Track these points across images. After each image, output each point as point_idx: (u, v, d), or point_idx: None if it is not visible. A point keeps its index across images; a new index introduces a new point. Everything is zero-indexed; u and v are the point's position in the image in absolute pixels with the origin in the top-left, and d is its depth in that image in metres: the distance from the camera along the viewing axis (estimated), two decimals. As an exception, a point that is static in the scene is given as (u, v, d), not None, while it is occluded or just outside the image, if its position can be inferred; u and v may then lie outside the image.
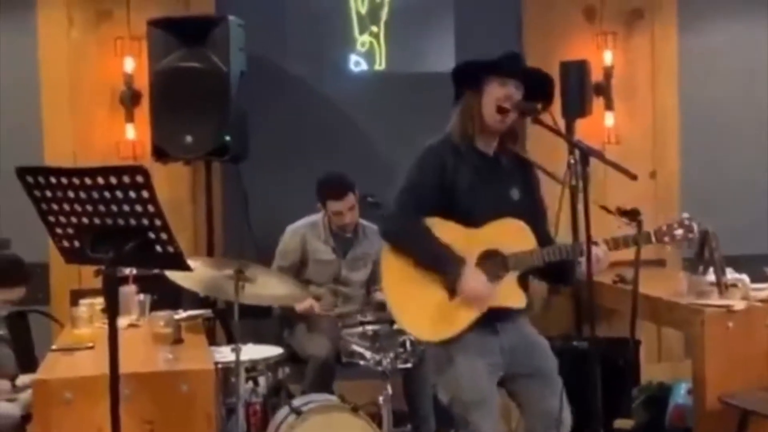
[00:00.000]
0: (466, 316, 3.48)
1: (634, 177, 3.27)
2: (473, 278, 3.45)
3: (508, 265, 3.50)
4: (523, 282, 3.56)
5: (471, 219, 3.51)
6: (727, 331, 4.35)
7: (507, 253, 3.49)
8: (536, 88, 3.59)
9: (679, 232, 3.51)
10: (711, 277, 4.64)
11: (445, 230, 3.51)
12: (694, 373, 4.51)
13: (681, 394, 5.05)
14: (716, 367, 4.34)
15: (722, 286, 4.57)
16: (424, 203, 3.51)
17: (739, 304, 4.42)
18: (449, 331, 3.49)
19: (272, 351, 4.44)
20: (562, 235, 3.61)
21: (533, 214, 3.60)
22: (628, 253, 4.93)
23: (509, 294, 3.52)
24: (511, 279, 3.51)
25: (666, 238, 3.51)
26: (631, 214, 3.64)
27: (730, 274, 4.67)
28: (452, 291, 3.48)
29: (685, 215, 3.56)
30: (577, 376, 3.68)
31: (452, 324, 3.49)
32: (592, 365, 3.29)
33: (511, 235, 3.52)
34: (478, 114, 3.52)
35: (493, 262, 3.51)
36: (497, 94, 3.49)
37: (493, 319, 3.52)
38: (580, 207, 3.18)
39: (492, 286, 3.47)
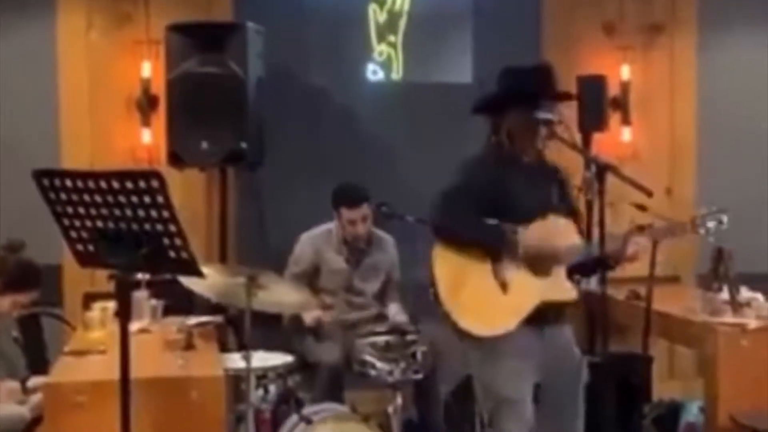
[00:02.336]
0: (520, 310, 3.54)
1: (650, 194, 3.28)
2: (533, 231, 3.53)
3: (559, 258, 3.57)
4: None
5: (519, 221, 3.57)
6: (741, 349, 4.32)
7: (558, 247, 3.56)
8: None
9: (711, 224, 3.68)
10: (725, 294, 4.61)
11: None
12: (706, 391, 4.49)
13: (693, 413, 5.02)
14: (729, 386, 4.32)
15: (736, 304, 4.55)
16: (471, 203, 3.55)
17: (752, 323, 4.40)
18: (504, 325, 3.53)
19: (283, 359, 4.43)
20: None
21: (570, 217, 3.69)
22: (641, 269, 4.93)
23: (560, 287, 3.60)
24: (559, 273, 3.59)
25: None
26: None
27: (745, 293, 4.65)
28: (504, 285, 3.54)
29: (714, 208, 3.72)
30: (589, 391, 3.67)
31: (507, 318, 3.54)
32: (604, 381, 3.28)
33: (557, 231, 3.60)
34: (528, 132, 3.62)
35: (544, 257, 3.57)
36: (549, 115, 3.59)
37: (542, 320, 3.58)
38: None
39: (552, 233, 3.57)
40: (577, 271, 3.71)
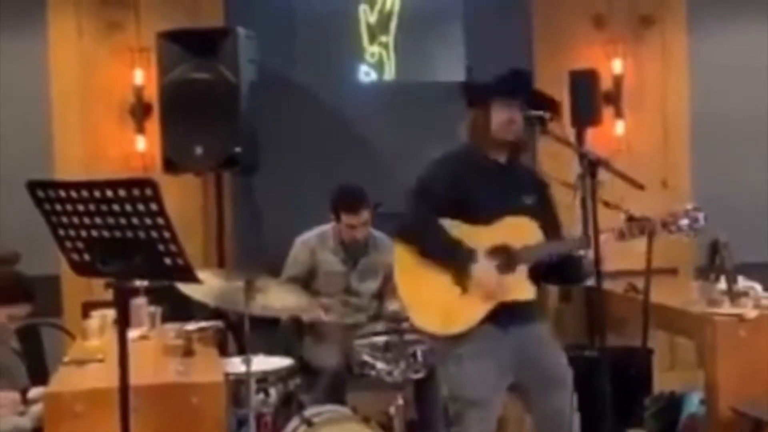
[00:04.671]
0: (477, 311, 3.56)
1: (640, 187, 3.29)
2: (484, 267, 3.55)
3: (516, 258, 3.57)
4: (532, 277, 3.61)
5: (482, 220, 3.61)
6: (739, 339, 4.33)
7: (515, 247, 3.56)
8: (541, 102, 3.68)
9: (684, 222, 3.61)
10: (723, 285, 4.62)
11: (454, 229, 3.61)
12: (706, 382, 4.49)
13: (694, 404, 5.02)
14: (728, 376, 4.32)
15: (733, 295, 4.55)
16: (434, 205, 3.62)
17: (750, 313, 4.40)
18: (461, 325, 3.58)
19: (283, 362, 4.43)
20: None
21: (545, 222, 3.67)
22: (639, 262, 4.93)
23: (519, 287, 3.60)
24: (520, 272, 3.59)
25: (672, 228, 3.62)
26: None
27: (742, 282, 4.65)
28: (463, 285, 3.57)
29: (690, 206, 3.67)
30: (589, 385, 3.68)
31: (464, 318, 3.58)
32: (602, 374, 3.29)
33: (518, 231, 3.62)
34: (486, 129, 3.65)
35: (501, 257, 3.60)
36: (503, 116, 3.62)
37: (506, 319, 3.60)
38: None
39: (501, 277, 3.56)
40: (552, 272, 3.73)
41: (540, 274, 3.68)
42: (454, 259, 3.56)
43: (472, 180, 3.63)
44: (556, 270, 3.68)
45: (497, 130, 3.63)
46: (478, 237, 3.59)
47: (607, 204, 3.90)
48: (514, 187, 3.68)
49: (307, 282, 5.09)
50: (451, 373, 3.67)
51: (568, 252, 3.60)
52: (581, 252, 3.54)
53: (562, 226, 3.75)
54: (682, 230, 3.62)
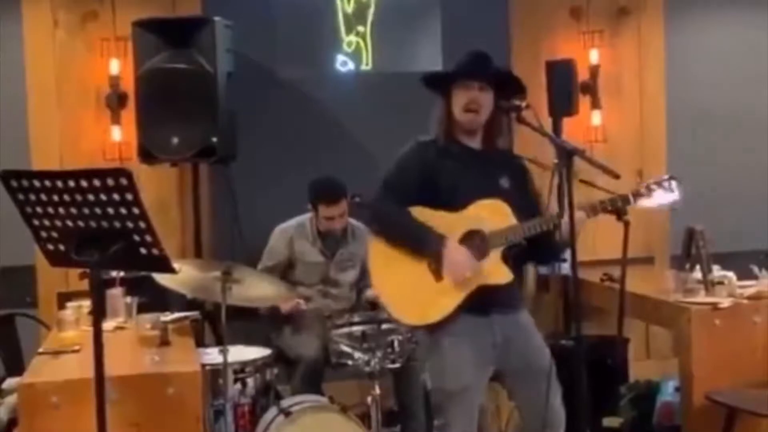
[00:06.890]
0: (453, 299, 3.53)
1: (616, 176, 3.30)
2: (456, 251, 3.51)
3: (489, 242, 3.55)
4: (508, 260, 3.58)
5: (456, 205, 3.58)
6: (714, 328, 4.37)
7: (488, 231, 3.54)
8: (507, 83, 3.67)
9: (658, 192, 3.61)
10: (698, 274, 4.65)
11: (426, 216, 3.58)
12: (681, 371, 4.52)
13: (669, 392, 5.06)
14: (703, 365, 4.36)
15: (708, 284, 4.59)
16: (403, 193, 3.59)
17: (725, 302, 4.44)
18: (437, 314, 3.54)
19: (260, 352, 4.44)
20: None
21: (524, 204, 3.63)
22: (615, 251, 4.97)
23: (494, 271, 3.56)
24: (494, 256, 3.56)
25: (644, 200, 3.59)
26: (618, 213, 3.66)
27: (717, 272, 4.68)
28: (437, 272, 3.53)
29: (665, 176, 3.65)
30: (565, 374, 3.70)
31: (439, 307, 3.54)
32: (578, 363, 3.30)
33: (491, 214, 3.58)
34: (450, 117, 3.65)
35: (474, 242, 3.56)
36: (463, 100, 3.61)
37: (487, 308, 3.56)
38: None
39: (475, 260, 3.52)
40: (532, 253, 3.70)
41: (517, 256, 3.63)
42: (424, 247, 3.53)
43: (445, 166, 3.60)
44: (531, 250, 3.62)
45: (459, 116, 3.61)
46: (451, 223, 3.56)
47: (583, 182, 3.93)
48: (489, 171, 3.64)
49: (285, 272, 5.09)
50: (432, 363, 3.65)
51: (541, 231, 3.53)
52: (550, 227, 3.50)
53: (544, 205, 3.65)
54: (656, 200, 3.57)
